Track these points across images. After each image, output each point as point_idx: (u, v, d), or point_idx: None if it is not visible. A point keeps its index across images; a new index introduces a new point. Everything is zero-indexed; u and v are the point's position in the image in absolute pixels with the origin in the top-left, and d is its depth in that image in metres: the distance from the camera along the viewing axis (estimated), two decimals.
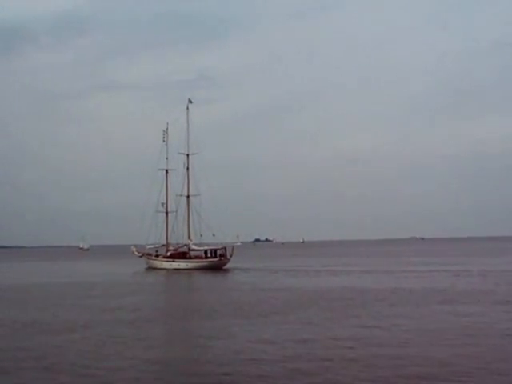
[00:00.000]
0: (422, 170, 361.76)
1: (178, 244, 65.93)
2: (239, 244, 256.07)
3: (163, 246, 67.29)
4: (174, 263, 62.66)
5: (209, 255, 61.66)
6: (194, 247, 63.99)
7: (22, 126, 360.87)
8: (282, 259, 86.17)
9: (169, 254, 65.20)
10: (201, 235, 64.16)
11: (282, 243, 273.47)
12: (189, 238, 64.64)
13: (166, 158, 67.99)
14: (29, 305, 29.88)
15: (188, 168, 65.91)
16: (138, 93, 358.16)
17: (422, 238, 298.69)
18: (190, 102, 66.56)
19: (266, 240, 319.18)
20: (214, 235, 62.61)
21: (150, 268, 64.65)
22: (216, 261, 60.62)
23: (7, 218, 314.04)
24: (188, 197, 65.74)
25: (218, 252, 61.29)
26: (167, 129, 67.70)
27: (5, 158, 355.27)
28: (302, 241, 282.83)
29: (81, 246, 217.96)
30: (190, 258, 63.53)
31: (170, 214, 67.88)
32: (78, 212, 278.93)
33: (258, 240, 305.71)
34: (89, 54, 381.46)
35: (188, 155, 65.83)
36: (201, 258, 62.67)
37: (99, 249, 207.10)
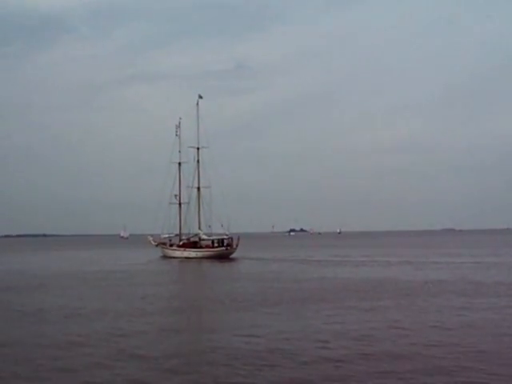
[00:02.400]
0: (461, 161, 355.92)
1: (189, 234, 69.18)
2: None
3: (177, 235, 70.86)
4: (184, 252, 66.00)
5: (216, 245, 64.69)
6: (204, 237, 66.97)
7: (60, 117, 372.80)
8: (298, 249, 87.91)
9: (181, 243, 68.71)
10: (209, 226, 67.07)
11: (319, 233, 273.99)
12: (199, 228, 67.68)
13: (179, 151, 71.37)
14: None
15: (198, 161, 68.87)
16: (176, 82, 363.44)
17: (460, 230, 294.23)
18: (201, 97, 69.23)
19: (301, 230, 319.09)
20: (222, 226, 65.43)
21: (165, 256, 68.21)
22: (223, 250, 63.55)
23: (45, 207, 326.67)
24: (198, 188, 68.69)
25: (225, 242, 64.25)
26: (180, 123, 70.80)
27: (44, 148, 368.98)
28: (338, 231, 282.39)
29: (121, 235, 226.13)
30: (201, 247, 66.56)
31: (182, 206, 71.27)
32: (121, 202, 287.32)
33: (292, 230, 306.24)
34: (128, 44, 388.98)
35: (198, 149, 68.81)
36: (210, 247, 65.69)
37: (138, 238, 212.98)
